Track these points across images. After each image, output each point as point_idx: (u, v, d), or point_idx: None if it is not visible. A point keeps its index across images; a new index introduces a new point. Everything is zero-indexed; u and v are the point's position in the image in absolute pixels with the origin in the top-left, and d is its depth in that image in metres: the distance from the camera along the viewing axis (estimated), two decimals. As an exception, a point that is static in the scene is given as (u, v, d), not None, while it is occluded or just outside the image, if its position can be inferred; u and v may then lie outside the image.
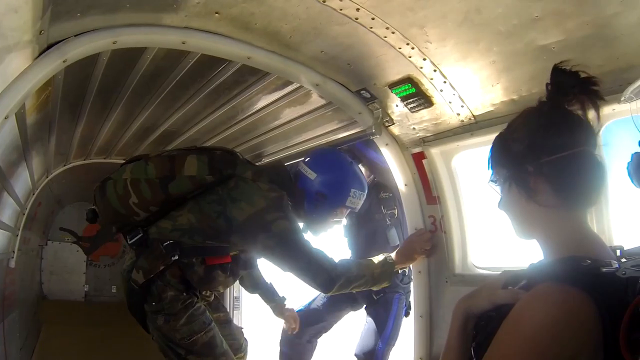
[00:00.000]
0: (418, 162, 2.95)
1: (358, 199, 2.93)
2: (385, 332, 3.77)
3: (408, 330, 3.08)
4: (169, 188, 2.70)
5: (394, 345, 3.84)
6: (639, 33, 1.79)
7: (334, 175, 2.90)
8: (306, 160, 2.95)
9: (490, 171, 1.51)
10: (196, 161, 2.76)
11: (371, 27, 2.24)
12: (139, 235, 2.76)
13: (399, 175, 3.07)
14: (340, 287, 2.71)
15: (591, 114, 1.36)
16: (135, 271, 2.70)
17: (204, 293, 2.96)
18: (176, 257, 2.68)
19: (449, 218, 2.85)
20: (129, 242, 2.80)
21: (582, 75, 1.36)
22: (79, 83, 2.88)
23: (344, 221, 3.22)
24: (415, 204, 3.02)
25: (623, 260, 1.24)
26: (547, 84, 1.41)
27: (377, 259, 2.86)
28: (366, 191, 2.99)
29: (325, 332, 4.20)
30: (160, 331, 2.72)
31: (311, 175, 2.87)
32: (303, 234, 2.75)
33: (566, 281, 1.14)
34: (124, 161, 2.93)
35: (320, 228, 3.02)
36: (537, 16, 1.89)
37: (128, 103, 3.33)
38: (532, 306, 1.15)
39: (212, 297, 3.14)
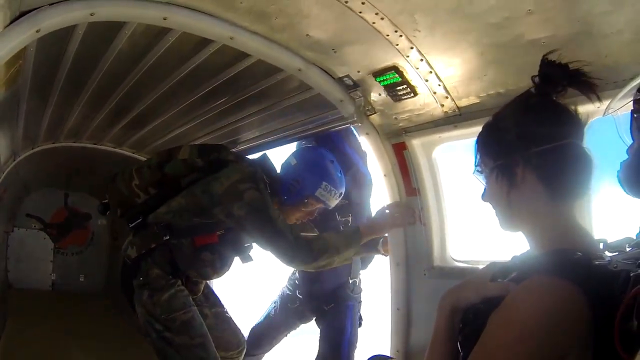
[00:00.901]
0: (398, 152, 2.92)
1: (329, 194, 3.09)
2: (344, 338, 3.75)
3: (385, 322, 3.07)
4: (165, 168, 3.04)
5: (355, 349, 3.83)
6: (626, 32, 1.80)
7: (311, 165, 3.12)
8: (294, 151, 3.20)
9: (476, 161, 1.50)
10: (189, 148, 3.14)
11: (360, 12, 2.18)
12: (139, 220, 3.03)
13: (378, 165, 3.03)
14: (304, 262, 2.87)
15: (580, 107, 1.37)
16: (129, 247, 3.00)
17: (191, 277, 3.09)
18: (167, 237, 2.92)
19: (428, 210, 2.83)
20: (130, 226, 3.08)
21: (572, 67, 1.36)
22: (52, 58, 2.73)
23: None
24: (395, 195, 2.99)
25: (607, 252, 1.26)
26: (533, 76, 1.41)
27: (343, 232, 3.07)
28: (340, 191, 3.14)
29: (274, 346, 4.23)
30: (145, 307, 2.89)
31: (293, 162, 3.17)
32: (273, 207, 2.89)
33: (558, 274, 1.13)
34: (94, 145, 3.40)
35: (291, 215, 3.20)
36: (529, 10, 1.87)
37: (101, 83, 3.19)
38: (526, 299, 1.14)
39: (202, 286, 3.30)
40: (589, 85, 1.36)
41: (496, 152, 1.40)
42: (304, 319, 4.05)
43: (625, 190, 1.38)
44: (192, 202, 2.94)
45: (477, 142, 1.49)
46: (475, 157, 1.50)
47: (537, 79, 1.41)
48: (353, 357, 3.77)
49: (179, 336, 2.86)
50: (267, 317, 4.12)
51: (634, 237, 1.40)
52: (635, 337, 1.01)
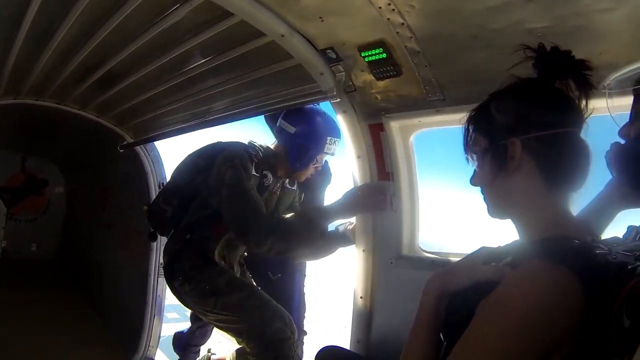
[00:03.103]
0: (375, 134, 2.81)
1: (333, 145, 3.23)
2: (293, 306, 3.73)
3: (346, 311, 3.00)
4: (176, 175, 3.50)
5: (304, 317, 3.84)
6: (625, 32, 1.74)
7: (311, 127, 3.20)
8: (283, 116, 3.29)
9: (469, 141, 1.42)
10: (190, 155, 3.46)
11: (356, -22, 2.05)
12: (171, 232, 3.43)
13: (352, 146, 2.92)
14: (270, 244, 2.84)
15: (581, 97, 1.32)
16: (163, 256, 3.39)
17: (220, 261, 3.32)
18: (188, 236, 3.25)
19: (400, 197, 2.74)
20: (168, 239, 3.47)
21: (576, 57, 1.32)
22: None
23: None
24: (366, 178, 2.89)
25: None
26: (533, 63, 1.37)
27: (305, 210, 3.29)
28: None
29: None
30: (193, 294, 3.15)
31: (291, 129, 3.22)
32: (249, 184, 3.02)
33: (557, 260, 1.06)
34: (57, 105, 4.13)
35: (303, 175, 3.37)
36: (530, -3, 1.78)
37: (72, 33, 2.99)
38: (523, 284, 1.07)
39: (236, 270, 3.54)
40: (589, 79, 1.31)
41: (493, 133, 1.33)
42: None
43: (611, 171, 1.37)
44: (200, 199, 3.28)
45: (471, 119, 1.42)
46: (467, 137, 1.42)
47: (539, 65, 1.35)
48: (303, 325, 3.80)
49: (230, 296, 3.06)
50: None
51: (620, 237, 1.36)
52: (630, 334, 0.95)
